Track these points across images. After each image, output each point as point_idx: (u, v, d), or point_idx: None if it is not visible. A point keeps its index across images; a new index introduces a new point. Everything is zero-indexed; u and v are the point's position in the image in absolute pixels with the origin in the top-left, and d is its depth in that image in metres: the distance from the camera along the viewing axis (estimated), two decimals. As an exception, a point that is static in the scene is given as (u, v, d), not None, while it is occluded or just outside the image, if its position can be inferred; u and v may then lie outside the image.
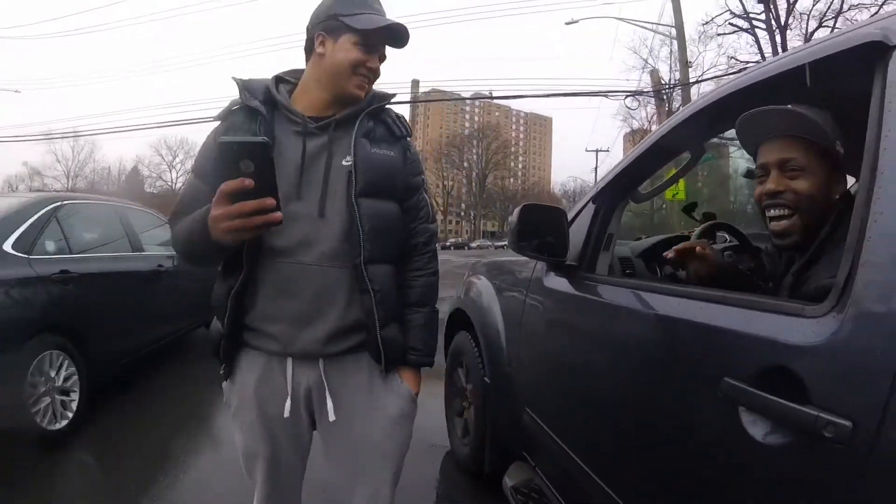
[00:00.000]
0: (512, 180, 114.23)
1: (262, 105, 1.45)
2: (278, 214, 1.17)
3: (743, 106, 1.44)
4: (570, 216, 2.14)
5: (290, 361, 1.46)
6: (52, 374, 3.55)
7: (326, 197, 1.42)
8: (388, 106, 1.60)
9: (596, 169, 50.80)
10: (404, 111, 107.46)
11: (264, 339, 1.45)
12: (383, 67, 1.50)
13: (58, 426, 3.55)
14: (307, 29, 1.49)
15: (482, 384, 2.71)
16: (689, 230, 3.19)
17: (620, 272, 2.34)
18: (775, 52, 18.33)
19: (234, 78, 1.51)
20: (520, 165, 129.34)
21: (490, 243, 74.24)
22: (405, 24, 1.45)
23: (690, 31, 17.91)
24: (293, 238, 1.40)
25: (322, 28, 1.44)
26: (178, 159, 79.06)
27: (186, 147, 76.37)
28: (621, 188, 2.04)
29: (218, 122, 1.49)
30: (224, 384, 1.56)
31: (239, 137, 1.27)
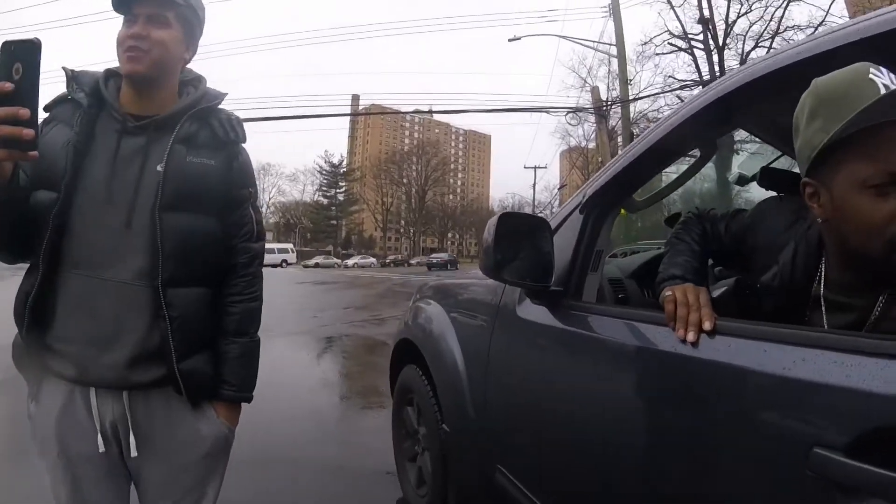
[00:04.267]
0: (451, 196, 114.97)
1: (86, 98, 1.33)
2: (30, 131, 1.05)
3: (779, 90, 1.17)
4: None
5: (93, 392, 1.32)
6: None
7: (136, 206, 1.30)
8: (221, 107, 1.48)
9: (534, 185, 51.74)
10: (344, 125, 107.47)
11: (61, 362, 1.31)
12: None
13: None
14: None
15: (440, 432, 2.28)
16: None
17: (613, 297, 1.96)
18: (712, 72, 18.97)
19: (63, 68, 1.39)
20: (459, 182, 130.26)
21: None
22: None
23: (629, 51, 18.27)
24: (96, 248, 1.29)
25: None
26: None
27: None
28: (613, 196, 1.68)
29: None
30: (30, 408, 1.38)
31: (14, 38, 1.09)
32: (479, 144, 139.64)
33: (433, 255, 59.02)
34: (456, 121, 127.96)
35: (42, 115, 1.29)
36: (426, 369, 2.47)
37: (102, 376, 1.30)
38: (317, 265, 54.98)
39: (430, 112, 29.45)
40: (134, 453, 1.34)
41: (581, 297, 1.64)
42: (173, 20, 1.33)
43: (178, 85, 1.45)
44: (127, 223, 1.30)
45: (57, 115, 1.35)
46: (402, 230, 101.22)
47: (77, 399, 1.33)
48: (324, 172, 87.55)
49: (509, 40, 20.41)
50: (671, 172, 1.89)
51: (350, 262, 61.52)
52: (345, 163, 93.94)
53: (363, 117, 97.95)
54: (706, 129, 1.49)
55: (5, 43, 1.07)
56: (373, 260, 66.13)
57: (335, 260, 62.21)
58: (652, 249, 2.78)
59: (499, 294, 1.97)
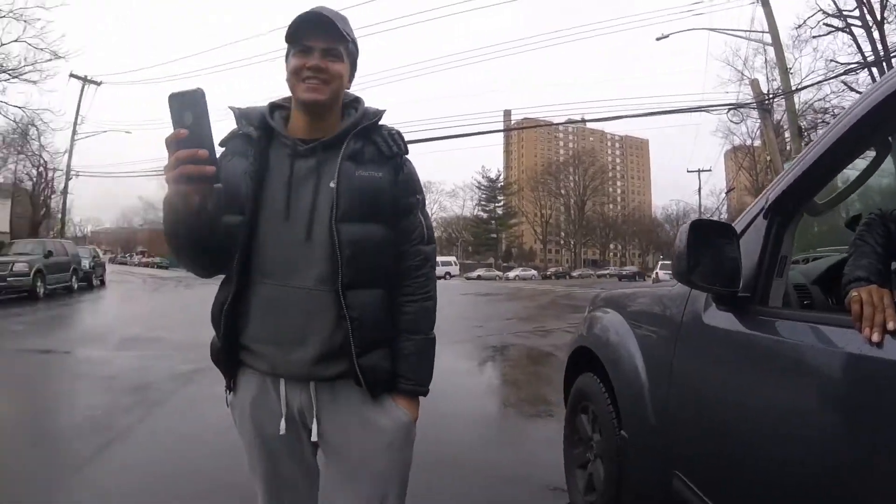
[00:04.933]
0: (611, 206, 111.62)
1: (255, 131, 1.50)
2: (209, 169, 1.23)
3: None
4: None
5: (283, 382, 1.49)
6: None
7: (314, 220, 1.45)
8: (382, 123, 1.59)
9: (699, 190, 48.77)
10: (498, 141, 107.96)
11: (255, 358, 1.50)
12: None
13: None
14: None
15: (617, 438, 2.31)
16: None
17: (798, 303, 1.92)
18: (875, 50, 17.07)
19: (230, 107, 1.57)
20: (618, 190, 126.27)
21: (592, 272, 72.32)
22: (322, 9, 1.44)
23: (783, 36, 16.71)
24: (280, 260, 1.44)
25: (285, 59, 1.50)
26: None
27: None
28: (795, 200, 1.66)
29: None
30: (228, 398, 1.60)
31: (179, 90, 1.25)
32: (636, 150, 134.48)
33: (623, 268, 74.52)
34: (610, 127, 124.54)
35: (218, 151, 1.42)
36: (604, 377, 2.51)
37: (291, 371, 1.47)
38: (479, 277, 56.16)
39: (583, 121, 29.03)
40: (314, 438, 1.50)
41: (767, 302, 1.63)
42: (344, 54, 1.48)
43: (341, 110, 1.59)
44: (307, 236, 1.44)
45: (231, 149, 1.51)
46: (562, 242, 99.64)
47: (269, 388, 1.51)
48: (482, 187, 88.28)
49: (657, 39, 19.93)
50: (851, 170, 1.83)
51: (511, 274, 61.96)
52: (502, 177, 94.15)
53: (517, 131, 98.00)
54: (881, 125, 1.45)
55: (170, 96, 1.23)
56: (534, 272, 66.15)
57: (496, 272, 62.83)
58: (835, 255, 2.64)
59: (683, 301, 1.98)
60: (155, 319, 13.61)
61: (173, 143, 1.23)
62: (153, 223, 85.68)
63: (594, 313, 2.91)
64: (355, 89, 1.61)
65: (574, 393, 2.94)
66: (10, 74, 22.69)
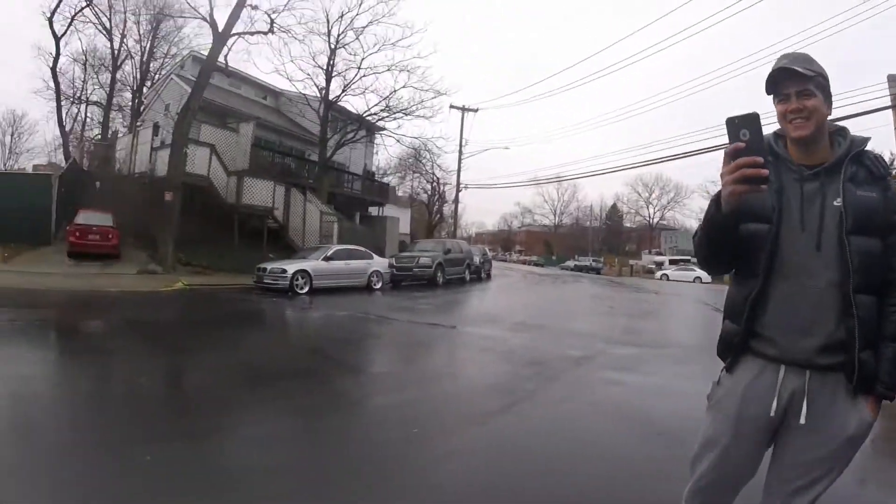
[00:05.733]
0: None
1: (767, 156, 1.71)
2: (764, 171, 1.55)
3: None
4: None
5: (782, 368, 1.75)
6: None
7: (822, 232, 1.72)
8: (867, 149, 1.82)
9: None
10: (886, 121, 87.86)
11: (765, 343, 1.78)
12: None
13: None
14: None
15: None
16: None
17: None
18: None
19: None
20: None
21: None
22: (786, 66, 1.74)
23: None
24: (796, 263, 1.73)
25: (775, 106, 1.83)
26: (653, 195, 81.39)
27: (661, 183, 79.09)
28: None
29: None
30: (721, 375, 1.91)
31: (738, 113, 1.59)
32: None
33: None
34: None
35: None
36: None
37: (795, 357, 1.72)
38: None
39: None
40: (802, 420, 1.72)
41: None
42: (814, 89, 1.74)
43: (828, 136, 1.84)
44: (817, 246, 1.72)
45: None
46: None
47: (766, 373, 1.78)
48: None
49: None
50: None
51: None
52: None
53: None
54: None
55: (728, 118, 1.57)
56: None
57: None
58: None
59: None
60: (537, 309, 15.28)
61: (731, 154, 1.57)
62: (529, 225, 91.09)
63: None
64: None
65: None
66: (404, 114, 28.63)
